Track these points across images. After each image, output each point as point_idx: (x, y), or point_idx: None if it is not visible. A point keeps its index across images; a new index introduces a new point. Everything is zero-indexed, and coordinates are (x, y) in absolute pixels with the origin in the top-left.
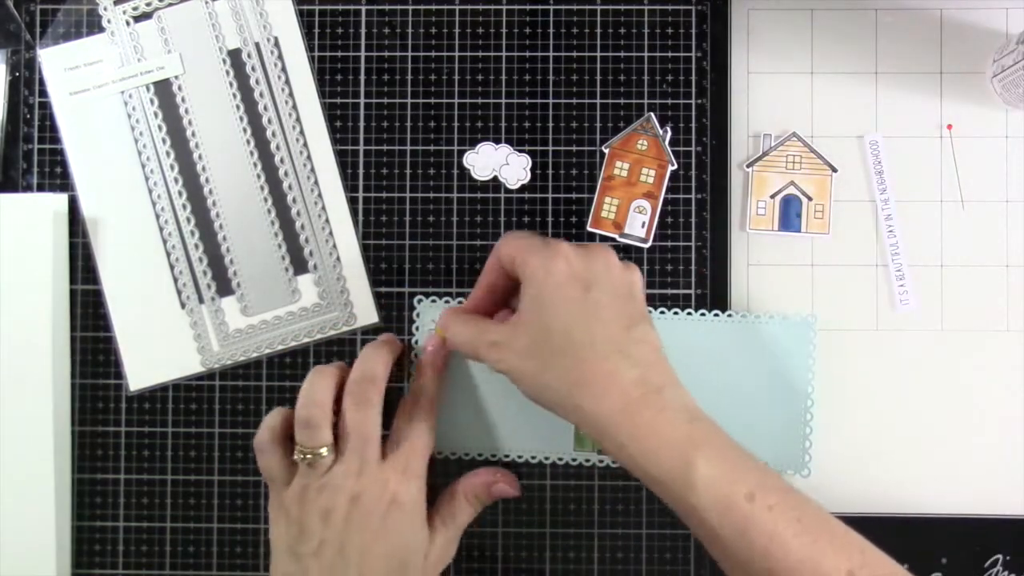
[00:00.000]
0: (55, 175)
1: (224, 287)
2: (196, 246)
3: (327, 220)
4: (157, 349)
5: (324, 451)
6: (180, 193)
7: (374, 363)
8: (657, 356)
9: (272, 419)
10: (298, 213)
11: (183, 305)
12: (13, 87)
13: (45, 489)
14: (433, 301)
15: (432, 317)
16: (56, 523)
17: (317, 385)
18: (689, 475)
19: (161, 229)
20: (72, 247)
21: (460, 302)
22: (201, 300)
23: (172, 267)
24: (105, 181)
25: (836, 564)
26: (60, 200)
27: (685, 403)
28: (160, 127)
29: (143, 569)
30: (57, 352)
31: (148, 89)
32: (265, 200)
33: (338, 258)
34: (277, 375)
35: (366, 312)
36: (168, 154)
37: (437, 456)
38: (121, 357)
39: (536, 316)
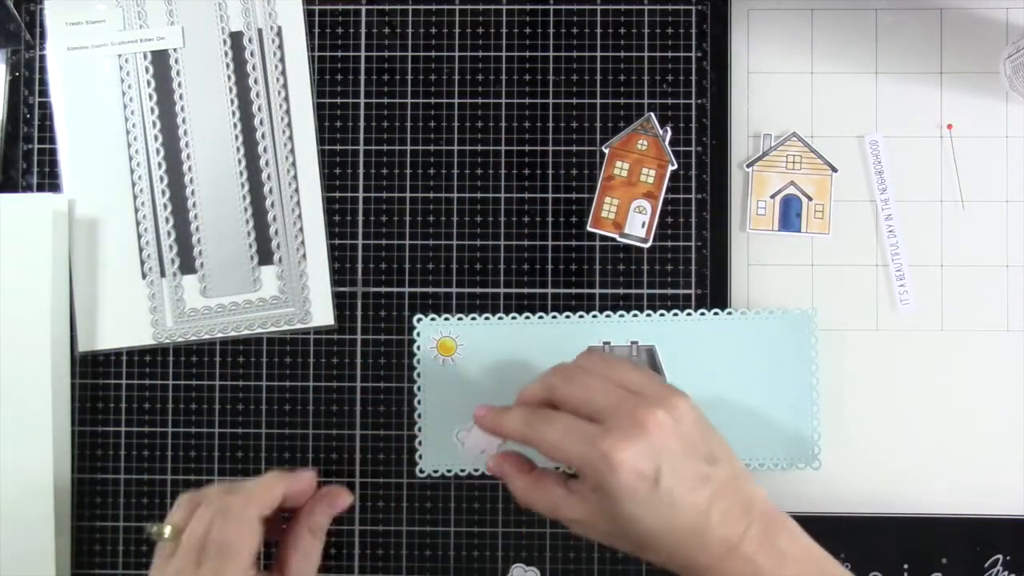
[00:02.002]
0: (55, 175)
1: (187, 265)
2: (167, 219)
3: (299, 216)
4: (111, 315)
5: (166, 531)
6: (160, 165)
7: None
8: (736, 492)
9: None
10: (272, 204)
11: (144, 276)
12: (13, 87)
13: (45, 489)
14: (432, 319)
15: (432, 335)
16: (56, 523)
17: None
18: None
19: (135, 197)
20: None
21: (460, 318)
22: (163, 274)
23: (140, 236)
24: (89, 141)
25: None
26: (60, 200)
27: (771, 536)
28: (151, 96)
29: (143, 569)
30: (56, 351)
31: (145, 57)
32: (242, 186)
33: (304, 255)
34: (277, 375)
35: (323, 313)
36: (155, 124)
37: (435, 473)
38: (75, 318)
39: (612, 515)
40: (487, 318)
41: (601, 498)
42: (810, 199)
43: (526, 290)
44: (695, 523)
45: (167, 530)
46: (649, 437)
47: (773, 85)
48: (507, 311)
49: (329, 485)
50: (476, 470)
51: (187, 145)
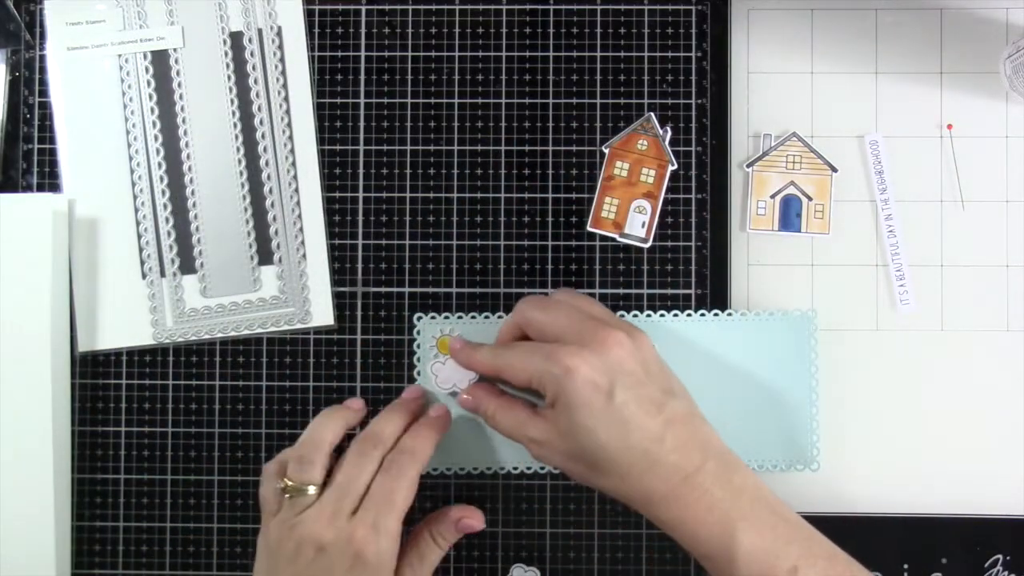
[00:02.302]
0: (55, 175)
1: (187, 265)
2: (167, 219)
3: (299, 216)
4: (111, 315)
5: (310, 489)
6: (160, 165)
7: (387, 423)
8: (692, 428)
9: (285, 452)
10: (272, 204)
11: (144, 276)
12: (13, 87)
13: (45, 489)
14: (433, 318)
15: (433, 333)
16: (56, 523)
17: (323, 423)
18: (732, 552)
19: (135, 197)
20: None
21: (460, 317)
22: (163, 274)
23: (140, 236)
24: (89, 141)
25: None
26: (60, 200)
27: (726, 473)
28: (151, 96)
29: (143, 569)
30: (56, 351)
31: (145, 57)
32: (242, 186)
33: (304, 255)
34: (277, 375)
35: (323, 313)
36: (155, 124)
37: (434, 472)
38: (75, 318)
39: (568, 429)
40: (487, 317)
41: (559, 412)
42: (810, 199)
43: (526, 290)
44: (648, 447)
45: (311, 489)
46: (606, 352)
47: (773, 85)
48: (507, 311)
49: (465, 506)
50: (475, 469)
51: (187, 145)
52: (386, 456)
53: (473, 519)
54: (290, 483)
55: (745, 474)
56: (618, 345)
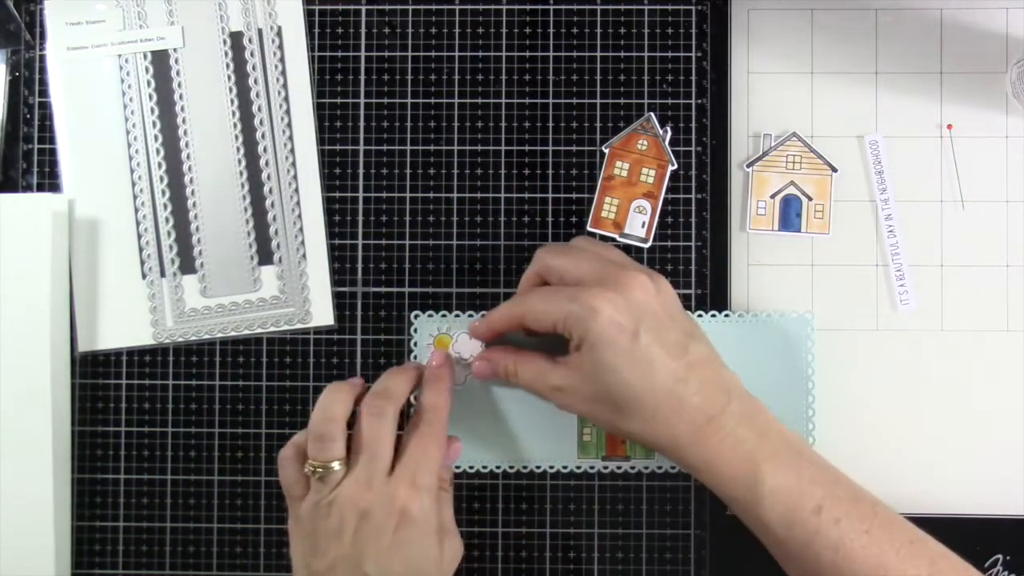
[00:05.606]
0: (55, 175)
1: (187, 265)
2: (167, 219)
3: (299, 216)
4: (111, 315)
5: (335, 465)
6: (160, 165)
7: (393, 381)
8: (715, 371)
9: (299, 436)
10: (272, 204)
11: (144, 276)
12: (13, 87)
13: (44, 489)
14: (430, 316)
15: (430, 331)
16: (56, 523)
17: (332, 399)
18: (757, 492)
19: (135, 197)
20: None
21: (457, 315)
22: (163, 274)
23: (140, 236)
24: (89, 141)
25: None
26: (60, 200)
27: (750, 415)
28: (151, 96)
29: (143, 569)
30: (56, 351)
31: (145, 57)
32: (242, 186)
33: (304, 255)
34: (277, 375)
35: (323, 312)
36: (155, 124)
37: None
38: (75, 317)
39: (593, 371)
40: (484, 315)
41: (583, 354)
42: (810, 199)
43: None
44: (673, 387)
45: (336, 464)
46: (630, 294)
47: (773, 85)
48: None
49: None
50: (471, 467)
51: (187, 145)
52: (404, 413)
53: (451, 449)
54: (315, 463)
55: (768, 416)
56: (641, 288)
